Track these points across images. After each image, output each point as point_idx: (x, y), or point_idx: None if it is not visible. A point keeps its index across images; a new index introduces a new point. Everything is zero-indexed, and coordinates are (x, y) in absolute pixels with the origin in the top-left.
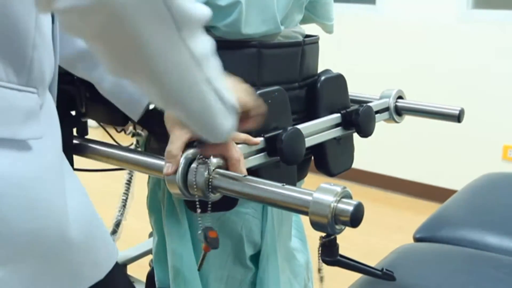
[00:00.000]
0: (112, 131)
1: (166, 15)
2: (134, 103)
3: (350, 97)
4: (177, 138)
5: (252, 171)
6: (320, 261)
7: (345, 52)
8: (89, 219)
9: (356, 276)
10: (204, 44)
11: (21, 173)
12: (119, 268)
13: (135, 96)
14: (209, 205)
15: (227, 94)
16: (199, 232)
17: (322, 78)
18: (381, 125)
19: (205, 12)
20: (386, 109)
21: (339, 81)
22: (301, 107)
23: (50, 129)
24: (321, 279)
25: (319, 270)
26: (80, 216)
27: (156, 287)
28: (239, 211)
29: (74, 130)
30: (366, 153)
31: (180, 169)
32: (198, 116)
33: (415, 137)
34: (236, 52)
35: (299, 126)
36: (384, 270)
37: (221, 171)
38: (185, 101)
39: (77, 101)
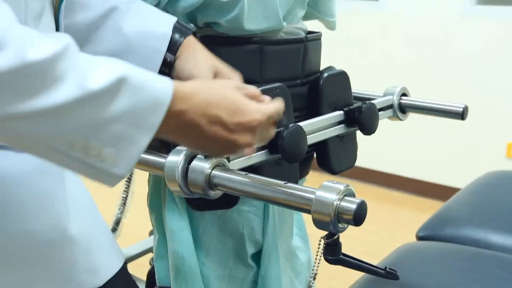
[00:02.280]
0: None
1: None
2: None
3: (353, 94)
4: None
5: (253, 169)
6: (317, 259)
7: (348, 49)
8: (91, 220)
9: (358, 274)
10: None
11: (15, 173)
12: (124, 275)
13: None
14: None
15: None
16: None
17: (325, 75)
18: (383, 123)
19: None
20: (390, 106)
21: (342, 78)
22: (304, 104)
23: None
24: (314, 276)
25: (313, 267)
26: (81, 215)
27: (156, 286)
28: (241, 209)
29: None
30: (369, 151)
31: (180, 166)
32: None
33: (418, 134)
34: (238, 48)
35: (301, 124)
36: (387, 269)
37: (222, 168)
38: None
39: None
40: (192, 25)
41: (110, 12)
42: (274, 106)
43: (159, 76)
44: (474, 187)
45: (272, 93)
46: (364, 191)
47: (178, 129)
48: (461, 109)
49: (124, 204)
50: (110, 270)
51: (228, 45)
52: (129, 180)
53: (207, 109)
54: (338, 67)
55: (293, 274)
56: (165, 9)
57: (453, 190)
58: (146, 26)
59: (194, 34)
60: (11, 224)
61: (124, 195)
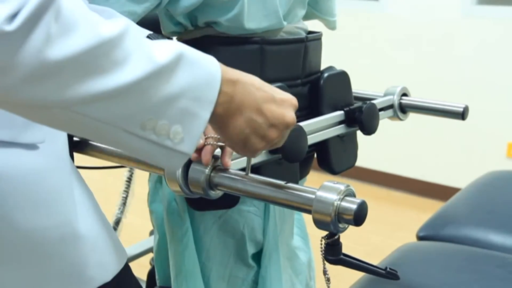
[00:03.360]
0: None
1: None
2: None
3: (353, 94)
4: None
5: (254, 169)
6: (324, 261)
7: (348, 49)
8: (97, 218)
9: (359, 274)
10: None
11: (26, 171)
12: (128, 271)
13: None
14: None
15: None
16: None
17: (325, 75)
18: (384, 122)
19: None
20: (391, 106)
21: (342, 78)
22: (304, 104)
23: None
24: (328, 280)
25: (325, 272)
26: (87, 213)
27: (157, 286)
28: (241, 209)
29: None
30: (369, 151)
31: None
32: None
33: (418, 134)
34: (239, 48)
35: (302, 124)
36: (388, 269)
37: (222, 168)
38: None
39: None
40: (166, 38)
41: None
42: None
43: (204, 54)
44: (475, 187)
45: None
46: (364, 191)
47: (233, 103)
48: (462, 109)
49: (124, 204)
50: (116, 265)
51: (228, 45)
52: (129, 180)
53: (255, 82)
54: (339, 67)
55: (293, 274)
56: (166, 9)
57: (454, 190)
58: None
59: None
60: (24, 221)
61: (124, 195)
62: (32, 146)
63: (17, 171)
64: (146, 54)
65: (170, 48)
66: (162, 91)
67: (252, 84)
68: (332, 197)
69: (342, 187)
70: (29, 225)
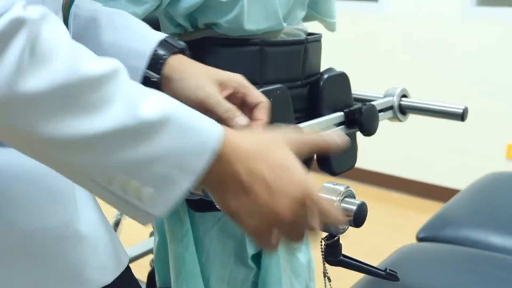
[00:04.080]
0: None
1: None
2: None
3: (353, 95)
4: None
5: None
6: (324, 263)
7: (348, 50)
8: (99, 219)
9: (359, 275)
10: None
11: (28, 171)
12: (129, 275)
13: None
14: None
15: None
16: None
17: (325, 76)
18: (384, 124)
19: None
20: (390, 107)
21: (342, 79)
22: (304, 105)
23: None
24: (329, 279)
25: (325, 274)
26: (89, 214)
27: (157, 287)
28: None
29: None
30: (369, 152)
31: None
32: None
33: (418, 136)
34: (238, 49)
35: (302, 125)
36: (388, 270)
37: None
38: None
39: None
40: (181, 42)
41: (90, 23)
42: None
43: (207, 119)
44: (474, 188)
45: (272, 95)
46: (364, 192)
47: (218, 178)
48: (461, 111)
49: None
50: (117, 268)
51: (228, 46)
52: None
53: (250, 162)
54: (338, 68)
55: (293, 275)
56: (166, 11)
57: (453, 191)
58: (126, 42)
59: (183, 51)
60: (25, 221)
61: None
62: None
63: (19, 170)
64: (130, 104)
65: (161, 104)
66: (138, 150)
67: (253, 155)
68: (332, 198)
69: (341, 189)
70: (29, 225)
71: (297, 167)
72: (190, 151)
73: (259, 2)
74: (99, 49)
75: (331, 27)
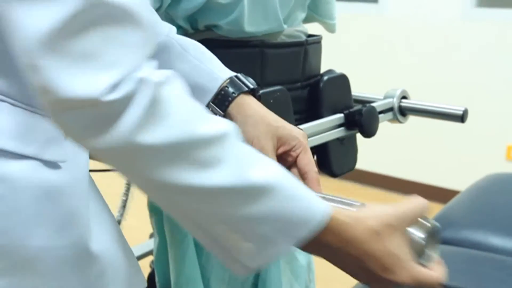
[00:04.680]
0: None
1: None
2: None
3: (353, 97)
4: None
5: None
6: None
7: (348, 52)
8: (113, 239)
9: None
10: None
11: (42, 188)
12: None
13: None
14: None
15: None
16: None
17: (325, 78)
18: (384, 125)
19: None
20: (390, 109)
21: (342, 81)
22: (304, 107)
23: (77, 150)
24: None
25: None
26: (103, 234)
27: None
28: None
29: None
30: (369, 154)
31: None
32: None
33: (418, 137)
34: (239, 51)
35: (302, 126)
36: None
37: None
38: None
39: None
40: (252, 80)
41: (164, 48)
42: (435, 276)
43: (315, 196)
44: (474, 189)
45: (272, 96)
46: (364, 194)
47: (323, 252)
48: (461, 112)
49: (124, 206)
50: None
51: (228, 48)
52: (129, 183)
53: (350, 249)
54: (338, 70)
55: (293, 277)
56: (167, 12)
57: (453, 193)
58: (195, 76)
59: (253, 91)
60: (35, 238)
61: (124, 198)
62: (52, 164)
63: (33, 186)
64: (238, 167)
65: (271, 171)
66: (243, 210)
67: (360, 248)
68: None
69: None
70: (36, 243)
71: (404, 263)
72: (293, 219)
73: (259, 4)
74: None
75: (331, 29)
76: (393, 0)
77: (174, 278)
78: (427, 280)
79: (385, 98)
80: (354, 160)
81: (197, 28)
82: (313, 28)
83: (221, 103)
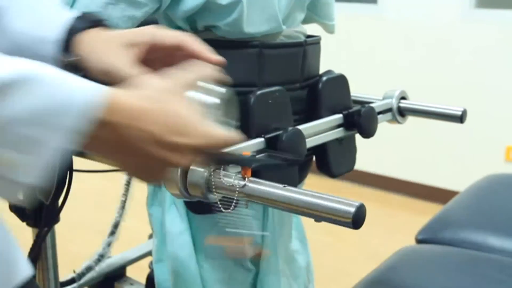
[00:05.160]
0: None
1: None
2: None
3: (352, 97)
4: None
5: (253, 172)
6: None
7: (347, 52)
8: None
9: (357, 278)
10: None
11: None
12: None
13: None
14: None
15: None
16: None
17: (324, 78)
18: (382, 126)
19: None
20: (389, 109)
21: (341, 81)
22: (303, 107)
23: None
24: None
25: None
26: None
27: None
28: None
29: None
30: (368, 154)
31: (179, 169)
32: None
33: (417, 138)
34: (237, 52)
35: (300, 127)
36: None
37: (223, 171)
38: None
39: None
40: (95, 14)
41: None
42: (228, 135)
43: (83, 80)
44: (473, 190)
45: (271, 97)
46: (363, 194)
47: (103, 141)
48: (460, 113)
49: (123, 207)
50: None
51: (227, 48)
52: (128, 184)
53: (140, 123)
54: (337, 70)
55: (291, 278)
56: (166, 13)
57: (452, 193)
58: (34, 28)
59: (98, 22)
60: None
61: (123, 199)
62: None
63: None
64: None
65: (18, 65)
66: None
67: (141, 116)
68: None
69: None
70: None
71: (196, 124)
72: (57, 109)
73: (258, 5)
74: (5, 36)
75: (330, 29)
76: (392, 1)
77: (173, 279)
78: (223, 137)
79: (384, 98)
80: (353, 160)
81: (196, 29)
82: (312, 28)
83: (68, 48)
